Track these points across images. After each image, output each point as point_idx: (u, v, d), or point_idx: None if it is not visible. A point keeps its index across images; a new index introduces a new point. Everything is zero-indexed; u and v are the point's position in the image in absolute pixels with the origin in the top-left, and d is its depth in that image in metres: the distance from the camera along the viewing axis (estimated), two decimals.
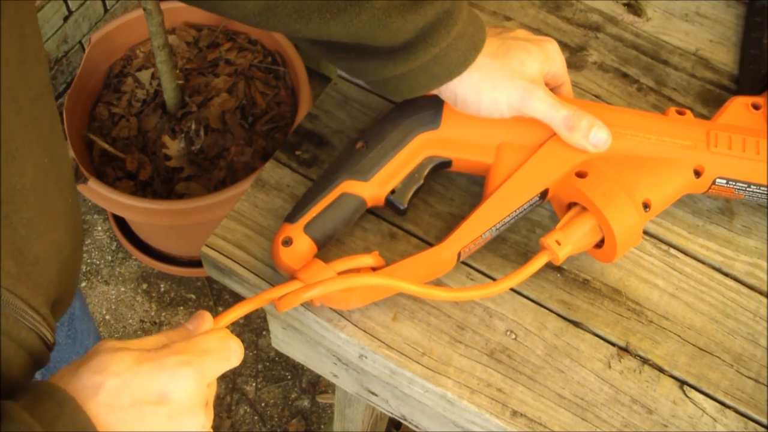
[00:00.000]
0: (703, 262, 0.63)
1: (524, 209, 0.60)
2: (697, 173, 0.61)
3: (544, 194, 0.60)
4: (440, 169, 0.62)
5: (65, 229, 0.52)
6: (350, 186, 0.59)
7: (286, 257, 0.57)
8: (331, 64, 0.61)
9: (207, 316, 0.50)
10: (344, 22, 0.54)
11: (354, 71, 0.60)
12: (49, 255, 0.48)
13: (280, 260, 0.57)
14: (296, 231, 0.58)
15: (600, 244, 0.59)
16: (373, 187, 0.60)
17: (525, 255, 0.62)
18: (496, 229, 0.59)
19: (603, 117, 0.60)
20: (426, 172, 0.61)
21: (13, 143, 0.44)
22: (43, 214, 0.48)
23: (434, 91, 0.59)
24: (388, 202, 0.60)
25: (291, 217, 0.59)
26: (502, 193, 0.59)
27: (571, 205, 0.59)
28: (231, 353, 0.47)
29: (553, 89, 0.62)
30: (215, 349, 0.46)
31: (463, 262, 0.62)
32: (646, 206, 0.58)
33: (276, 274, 0.60)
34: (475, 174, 0.63)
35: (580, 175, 0.58)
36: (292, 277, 0.56)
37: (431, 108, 0.61)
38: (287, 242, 0.58)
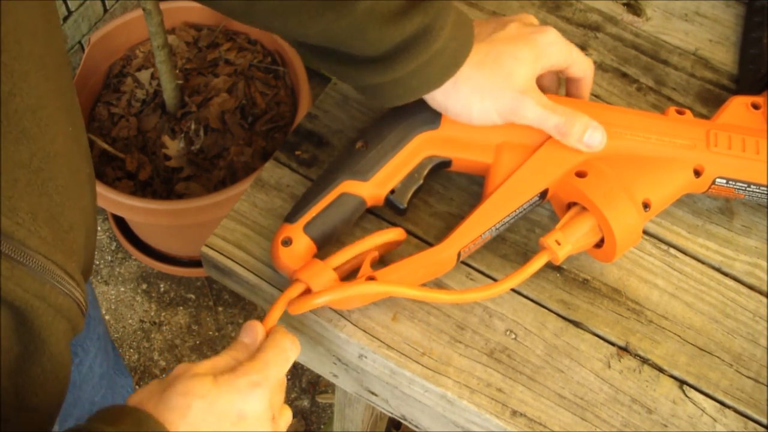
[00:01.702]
0: (702, 262, 0.63)
1: (524, 209, 0.60)
2: (697, 173, 0.61)
3: (543, 194, 0.60)
4: (440, 169, 0.62)
5: (89, 197, 0.54)
6: (350, 186, 0.59)
7: (286, 257, 0.57)
8: (317, 65, 0.62)
9: (257, 326, 0.53)
10: (321, 26, 0.54)
11: (337, 75, 0.61)
12: (80, 222, 0.50)
13: (279, 260, 0.57)
14: (296, 231, 0.58)
15: (600, 244, 0.59)
16: (372, 187, 0.60)
17: (525, 255, 0.62)
18: (496, 229, 0.59)
19: (602, 117, 0.59)
20: (426, 171, 0.61)
21: (45, 110, 0.44)
22: (73, 181, 0.49)
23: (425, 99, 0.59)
24: (388, 202, 0.60)
25: (290, 217, 0.59)
26: (502, 193, 0.59)
27: (570, 205, 0.59)
28: (288, 354, 0.52)
29: (562, 72, 0.62)
30: (275, 359, 0.51)
31: (463, 262, 0.62)
32: (645, 206, 0.58)
33: (276, 274, 0.60)
34: (475, 174, 0.63)
35: (580, 174, 0.58)
36: (294, 279, 0.56)
37: (431, 107, 0.61)
38: (287, 242, 0.57)
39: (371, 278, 0.56)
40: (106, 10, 1.72)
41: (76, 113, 0.52)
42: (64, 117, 0.48)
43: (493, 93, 0.57)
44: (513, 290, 0.61)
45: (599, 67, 0.73)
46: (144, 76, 1.54)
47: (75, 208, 0.49)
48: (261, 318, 0.54)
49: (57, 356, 0.45)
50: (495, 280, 0.61)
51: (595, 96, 0.72)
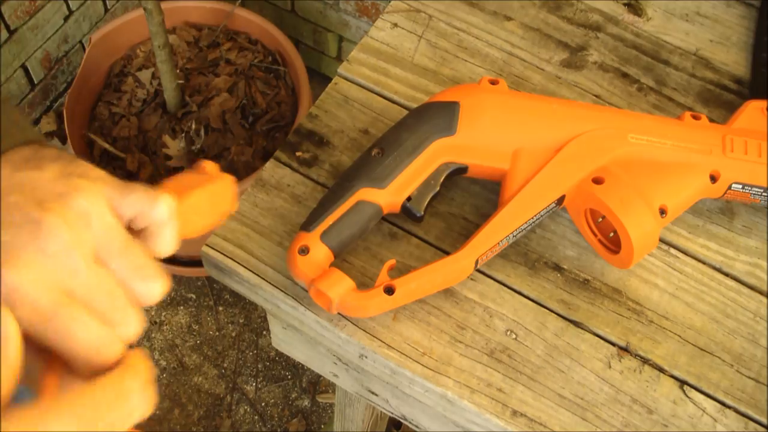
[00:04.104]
0: (703, 262, 0.63)
1: (541, 215, 0.60)
2: (713, 178, 0.60)
3: (560, 200, 0.60)
4: (456, 175, 0.61)
5: None
6: (367, 193, 0.59)
7: (303, 266, 0.56)
8: None
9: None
10: None
11: None
12: None
13: (297, 269, 0.57)
14: (313, 239, 0.57)
15: (617, 250, 0.59)
16: (389, 195, 0.59)
17: (525, 255, 0.62)
18: (513, 236, 0.59)
19: (619, 122, 0.59)
20: (442, 178, 0.60)
21: None
22: None
23: None
24: (405, 209, 0.60)
25: (307, 225, 0.58)
26: (520, 200, 0.58)
27: (587, 211, 0.59)
28: (131, 407, 0.34)
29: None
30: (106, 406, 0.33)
31: None
32: (662, 212, 0.58)
33: (277, 274, 0.60)
34: (491, 180, 0.63)
35: (597, 181, 0.58)
36: (309, 285, 0.56)
37: (447, 114, 0.60)
38: (304, 251, 0.57)
39: (389, 287, 0.56)
40: (107, 10, 1.72)
41: None
42: None
43: None
44: (513, 290, 0.61)
45: (600, 67, 0.73)
46: (145, 75, 1.55)
47: None
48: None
49: None
50: (495, 279, 0.61)
51: (596, 96, 0.72)
